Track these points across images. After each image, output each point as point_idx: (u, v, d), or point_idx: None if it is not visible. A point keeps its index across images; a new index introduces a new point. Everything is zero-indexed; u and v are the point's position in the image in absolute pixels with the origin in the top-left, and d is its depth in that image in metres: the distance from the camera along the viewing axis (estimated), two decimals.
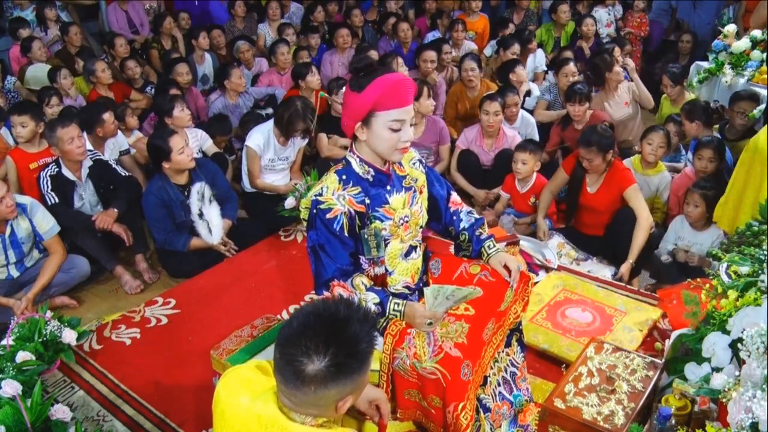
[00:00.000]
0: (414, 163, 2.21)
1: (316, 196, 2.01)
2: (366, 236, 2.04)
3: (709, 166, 3.71)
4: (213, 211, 3.67)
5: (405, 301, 2.02)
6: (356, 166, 2.05)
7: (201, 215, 3.64)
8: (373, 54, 5.23)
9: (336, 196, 1.99)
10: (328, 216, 1.97)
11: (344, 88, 2.26)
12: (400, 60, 5.25)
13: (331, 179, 2.03)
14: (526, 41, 6.09)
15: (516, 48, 5.83)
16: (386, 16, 7.30)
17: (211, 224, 3.67)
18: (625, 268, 3.43)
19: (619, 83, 5.00)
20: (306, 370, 1.32)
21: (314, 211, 2.00)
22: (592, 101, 4.83)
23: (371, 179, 2.05)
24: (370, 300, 1.97)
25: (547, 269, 3.34)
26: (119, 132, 4.42)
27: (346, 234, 1.99)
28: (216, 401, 1.51)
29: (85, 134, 4.08)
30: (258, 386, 1.49)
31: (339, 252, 1.99)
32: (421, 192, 2.20)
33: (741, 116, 4.05)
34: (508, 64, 5.40)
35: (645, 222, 3.48)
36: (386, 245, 2.09)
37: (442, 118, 5.32)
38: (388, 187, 2.08)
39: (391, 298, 2.02)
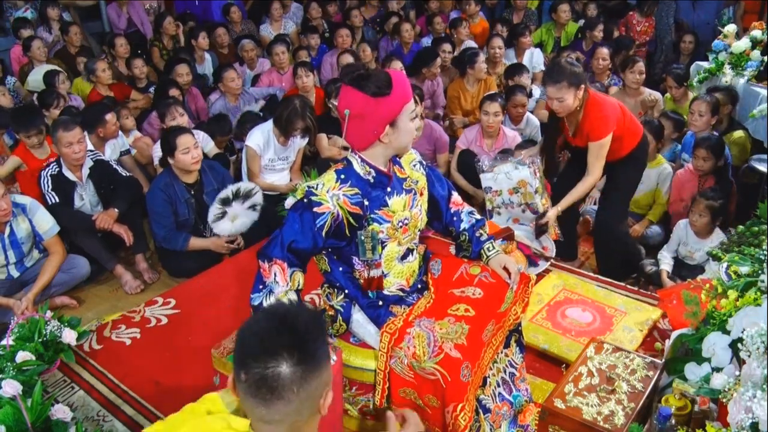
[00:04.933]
0: (414, 165, 2.19)
1: (310, 187, 2.00)
2: (362, 238, 2.02)
3: (705, 165, 3.72)
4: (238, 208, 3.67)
5: None
6: (357, 166, 2.03)
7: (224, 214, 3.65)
8: (397, 64, 5.21)
9: (330, 195, 1.97)
10: (315, 210, 1.95)
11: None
12: (399, 64, 5.25)
13: (328, 177, 2.01)
14: (519, 35, 6.09)
15: (499, 42, 5.81)
16: (387, 15, 7.30)
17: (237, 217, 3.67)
18: (552, 213, 3.35)
19: (638, 86, 4.94)
20: (281, 375, 1.27)
21: (305, 200, 1.98)
22: (609, 95, 4.80)
23: (372, 180, 2.03)
24: (288, 299, 1.97)
25: (546, 258, 3.32)
26: (121, 133, 4.42)
27: (323, 234, 1.97)
28: None
29: (86, 134, 4.09)
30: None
31: (300, 244, 1.97)
32: (421, 194, 2.19)
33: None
34: (514, 68, 5.42)
35: (591, 179, 3.28)
36: (383, 248, 2.08)
37: (441, 119, 5.34)
38: (389, 189, 2.06)
39: None
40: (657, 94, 4.98)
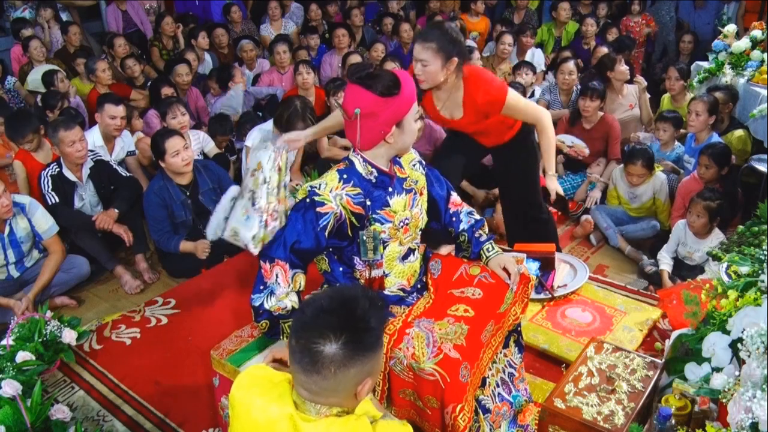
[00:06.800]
0: (414, 165, 2.19)
1: (313, 187, 1.97)
2: (364, 238, 2.02)
3: (707, 172, 3.72)
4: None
5: None
6: (359, 166, 2.02)
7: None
8: (391, 65, 5.23)
9: (333, 195, 1.96)
10: (318, 209, 1.94)
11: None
12: (396, 65, 5.25)
13: (331, 177, 2.00)
14: (519, 32, 6.10)
15: (509, 39, 5.83)
16: (382, 15, 7.31)
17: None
18: (551, 183, 3.00)
19: (623, 82, 4.98)
20: (324, 352, 1.34)
21: (308, 199, 1.96)
22: None
23: (374, 180, 2.02)
24: (290, 301, 1.96)
25: (550, 293, 3.07)
26: (128, 132, 4.42)
27: (326, 234, 1.96)
28: (231, 404, 1.52)
29: (91, 132, 4.09)
30: (271, 382, 1.50)
31: (303, 244, 1.95)
32: (421, 194, 2.19)
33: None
34: (519, 65, 5.45)
35: (543, 122, 2.91)
36: (385, 248, 2.07)
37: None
38: (390, 189, 2.06)
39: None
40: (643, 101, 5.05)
